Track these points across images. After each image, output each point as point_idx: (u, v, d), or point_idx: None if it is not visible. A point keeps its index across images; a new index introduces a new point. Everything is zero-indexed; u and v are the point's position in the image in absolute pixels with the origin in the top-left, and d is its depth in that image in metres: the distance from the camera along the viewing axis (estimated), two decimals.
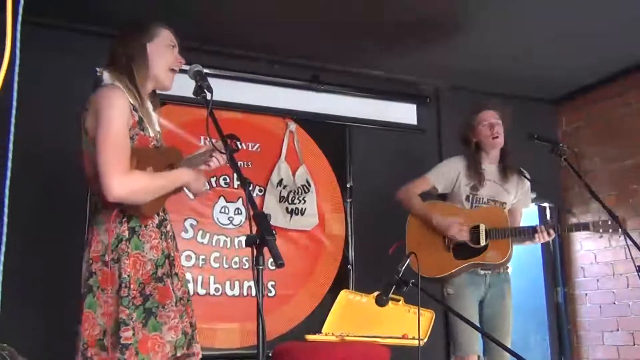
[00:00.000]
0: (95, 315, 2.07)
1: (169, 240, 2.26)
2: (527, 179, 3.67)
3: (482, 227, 3.39)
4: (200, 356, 2.24)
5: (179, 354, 2.08)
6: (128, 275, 2.08)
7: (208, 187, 2.41)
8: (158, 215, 2.25)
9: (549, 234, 3.35)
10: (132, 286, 2.08)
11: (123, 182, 2.03)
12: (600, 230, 3.31)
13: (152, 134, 2.27)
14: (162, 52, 2.30)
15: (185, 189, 2.35)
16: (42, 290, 3.18)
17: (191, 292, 2.43)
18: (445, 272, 3.40)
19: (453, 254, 3.43)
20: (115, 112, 2.10)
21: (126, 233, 2.14)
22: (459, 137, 3.70)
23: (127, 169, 2.06)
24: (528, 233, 3.39)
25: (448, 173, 3.58)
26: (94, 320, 2.07)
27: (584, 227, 3.38)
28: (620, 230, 3.22)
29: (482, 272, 3.44)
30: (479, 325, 3.38)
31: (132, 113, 2.18)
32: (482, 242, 3.38)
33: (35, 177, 3.23)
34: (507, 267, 3.53)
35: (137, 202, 2.11)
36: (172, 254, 2.25)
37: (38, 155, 3.07)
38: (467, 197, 3.52)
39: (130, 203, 2.10)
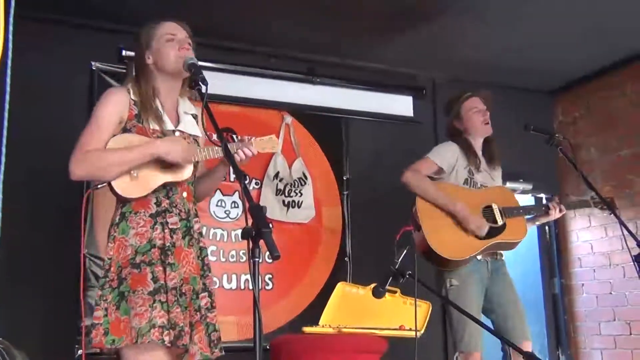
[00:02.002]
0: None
1: (168, 231, 2.23)
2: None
3: (496, 207, 3.36)
4: (196, 358, 2.19)
5: (139, 341, 2.04)
6: (109, 258, 2.14)
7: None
8: (159, 204, 2.24)
9: (560, 210, 3.38)
10: (111, 269, 2.13)
11: (78, 160, 2.13)
12: (600, 207, 3.33)
13: (156, 127, 2.28)
14: (163, 51, 2.32)
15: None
16: (37, 285, 3.18)
17: (211, 288, 2.36)
18: (471, 253, 3.27)
19: (475, 235, 3.32)
20: (102, 102, 2.24)
21: (117, 218, 2.20)
22: (446, 128, 3.66)
23: (90, 149, 2.15)
24: (542, 209, 3.43)
25: (450, 154, 3.47)
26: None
27: (584, 203, 3.41)
28: (613, 210, 3.25)
29: (481, 259, 3.37)
30: (486, 315, 3.35)
31: (130, 107, 2.25)
32: (500, 221, 3.34)
33: (27, 169, 3.22)
34: (502, 254, 3.50)
35: (99, 178, 2.17)
36: (170, 244, 2.22)
37: (32, 147, 3.06)
38: (466, 181, 3.45)
39: (92, 178, 2.19)
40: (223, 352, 2.30)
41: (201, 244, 2.37)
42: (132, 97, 2.27)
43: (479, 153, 3.55)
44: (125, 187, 2.19)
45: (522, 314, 3.38)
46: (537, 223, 3.60)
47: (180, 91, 2.42)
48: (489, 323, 3.45)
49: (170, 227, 2.25)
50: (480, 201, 3.38)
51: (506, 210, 3.36)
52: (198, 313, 2.24)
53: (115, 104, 2.24)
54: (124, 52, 3.77)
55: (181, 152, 2.24)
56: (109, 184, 2.18)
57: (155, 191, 2.24)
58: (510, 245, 3.40)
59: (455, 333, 3.26)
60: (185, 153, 2.25)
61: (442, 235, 3.27)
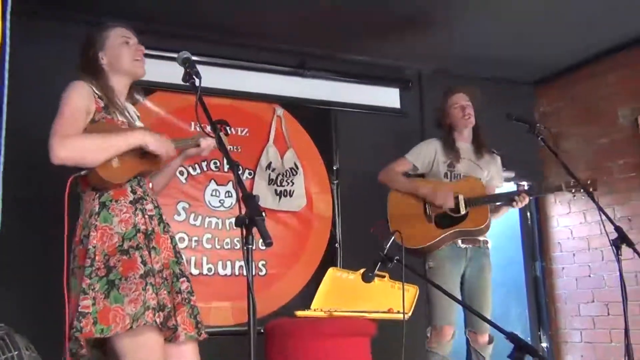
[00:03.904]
0: (75, 292, 2.10)
1: (147, 217, 2.26)
2: (498, 154, 3.74)
3: (461, 197, 3.44)
4: (181, 338, 2.20)
5: (134, 326, 2.04)
6: (94, 247, 2.11)
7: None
8: (134, 192, 2.27)
9: (524, 199, 3.43)
10: (97, 257, 2.10)
11: (63, 142, 2.11)
12: (573, 190, 3.37)
13: (123, 120, 2.35)
14: (118, 52, 2.39)
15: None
16: (35, 274, 3.16)
17: (187, 273, 2.37)
18: (430, 241, 3.42)
19: (435, 224, 3.47)
20: (71, 94, 2.23)
21: (97, 207, 2.18)
22: (434, 121, 3.77)
23: (69, 134, 2.14)
24: (505, 198, 3.48)
25: (426, 152, 3.63)
26: (74, 296, 2.09)
27: (557, 188, 3.44)
28: (588, 191, 3.28)
29: (463, 245, 3.47)
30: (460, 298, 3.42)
31: (96, 100, 2.28)
32: (462, 211, 3.42)
33: (23, 166, 3.19)
34: (487, 242, 3.56)
35: (83, 161, 2.15)
36: (151, 229, 2.25)
37: (26, 143, 3.03)
38: (446, 174, 3.58)
39: (77, 164, 2.15)
40: (207, 336, 2.32)
41: (171, 233, 2.38)
42: (96, 90, 2.30)
43: (465, 144, 3.63)
44: (108, 173, 2.19)
45: (488, 306, 3.46)
46: (503, 212, 3.64)
47: (127, 94, 2.47)
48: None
49: (148, 213, 2.27)
50: (451, 191, 3.47)
51: (471, 201, 3.44)
52: (179, 295, 2.25)
53: (85, 96, 2.25)
54: None
55: (162, 143, 2.32)
56: (93, 170, 2.16)
57: (128, 181, 2.27)
58: (474, 232, 3.47)
59: (430, 309, 3.38)
60: (165, 145, 2.33)
61: (404, 224, 3.41)
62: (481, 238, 3.52)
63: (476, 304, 3.38)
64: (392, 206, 3.59)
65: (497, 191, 3.70)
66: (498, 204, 3.56)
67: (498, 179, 3.72)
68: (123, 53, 2.39)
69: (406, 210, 3.54)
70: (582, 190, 3.35)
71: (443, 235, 3.42)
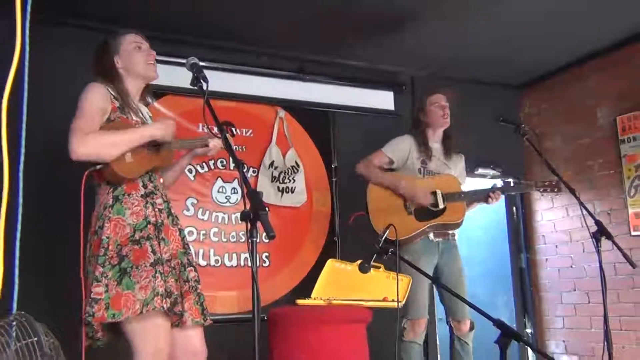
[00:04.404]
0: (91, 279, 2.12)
1: (157, 210, 2.27)
2: (462, 154, 3.74)
3: (439, 192, 3.43)
4: (188, 324, 2.21)
5: (144, 311, 2.05)
6: (107, 237, 2.12)
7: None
8: (146, 187, 2.27)
9: (498, 196, 3.44)
10: (110, 247, 2.11)
11: (81, 141, 2.12)
12: (541, 190, 3.38)
13: (137, 119, 2.35)
14: (131, 56, 2.40)
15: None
16: (54, 263, 3.15)
17: (194, 263, 2.38)
18: (412, 233, 3.40)
19: (415, 217, 3.45)
20: (89, 96, 2.23)
21: (110, 201, 2.19)
22: (411, 118, 3.75)
23: (88, 132, 2.14)
24: (481, 195, 3.47)
25: (402, 147, 3.60)
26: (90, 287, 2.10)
27: (528, 187, 3.45)
28: (554, 191, 3.29)
29: (435, 239, 3.46)
30: (428, 288, 3.43)
31: (112, 100, 2.28)
32: (441, 205, 3.41)
33: (44, 162, 3.19)
34: (455, 235, 3.56)
35: (102, 157, 2.15)
36: (161, 221, 2.26)
37: (46, 142, 3.03)
38: (419, 170, 3.55)
39: (96, 159, 2.16)
40: (211, 322, 2.33)
41: (179, 226, 2.39)
42: (111, 92, 2.30)
43: (436, 144, 3.63)
44: (122, 168, 2.20)
45: (464, 294, 3.46)
46: (477, 206, 3.63)
47: (140, 95, 2.48)
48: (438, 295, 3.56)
49: (158, 207, 2.28)
50: (427, 188, 3.46)
51: (448, 196, 3.42)
52: (187, 284, 2.26)
53: (102, 97, 2.26)
54: None
55: (169, 127, 2.35)
56: (108, 165, 2.17)
57: (140, 176, 2.28)
58: (451, 226, 3.48)
59: (406, 303, 3.34)
60: (171, 127, 2.36)
61: (384, 217, 3.40)
62: (450, 231, 3.52)
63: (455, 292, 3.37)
64: (372, 199, 3.54)
65: (462, 188, 3.68)
66: (473, 199, 3.54)
67: (462, 178, 3.71)
68: (136, 57, 2.39)
69: (386, 203, 3.50)
70: (549, 190, 3.38)
71: (424, 227, 3.41)
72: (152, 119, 2.51)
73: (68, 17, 3.70)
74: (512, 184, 3.99)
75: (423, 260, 3.39)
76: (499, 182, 3.71)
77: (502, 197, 3.50)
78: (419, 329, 3.39)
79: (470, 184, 3.86)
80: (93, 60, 2.43)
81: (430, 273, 3.41)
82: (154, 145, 2.32)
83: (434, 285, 3.55)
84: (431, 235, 3.46)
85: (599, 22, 4.14)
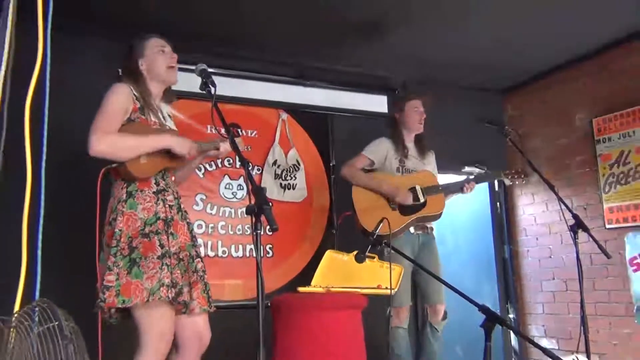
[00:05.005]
0: (103, 266, 2.13)
1: (167, 206, 2.26)
2: (432, 151, 3.74)
3: (419, 188, 3.42)
4: (196, 311, 2.22)
5: (151, 299, 2.06)
6: (120, 230, 2.12)
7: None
8: (158, 184, 2.26)
9: (472, 186, 3.45)
10: (122, 239, 2.11)
11: (99, 140, 2.11)
12: (509, 177, 3.38)
13: (156, 120, 2.33)
14: (154, 59, 2.38)
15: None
16: (73, 253, 3.15)
17: (202, 255, 2.38)
18: (399, 227, 3.39)
19: (400, 212, 3.45)
20: (112, 95, 2.22)
21: (124, 196, 2.18)
22: (389, 118, 3.75)
23: (107, 132, 2.13)
24: (457, 187, 3.48)
25: (381, 149, 3.59)
26: (104, 270, 2.11)
27: (497, 174, 3.46)
28: (521, 178, 3.31)
29: (415, 232, 3.46)
30: (410, 278, 3.45)
31: (134, 101, 2.26)
32: (422, 199, 3.40)
33: (64, 162, 3.18)
34: (432, 228, 3.56)
35: (116, 157, 2.15)
36: (171, 217, 2.25)
37: (67, 143, 3.03)
38: (398, 169, 3.55)
39: (110, 158, 2.14)
40: (215, 309, 2.32)
41: (188, 220, 2.37)
42: (134, 92, 2.28)
43: (410, 144, 3.64)
44: (136, 168, 2.19)
45: (440, 284, 3.42)
46: (453, 196, 3.62)
47: (162, 96, 2.45)
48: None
49: (169, 203, 2.27)
50: (407, 184, 3.47)
51: (427, 190, 3.43)
52: (195, 274, 2.25)
53: (125, 97, 2.24)
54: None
55: (187, 147, 2.32)
56: (123, 164, 2.16)
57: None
58: (433, 218, 3.47)
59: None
60: (187, 147, 2.32)
61: (371, 215, 3.39)
62: (428, 225, 3.52)
63: (432, 281, 3.36)
64: (357, 201, 3.54)
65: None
66: (450, 191, 3.54)
67: (435, 172, 3.71)
68: (159, 60, 2.37)
69: (370, 202, 3.50)
70: (516, 177, 3.37)
71: (409, 220, 3.41)
72: (171, 118, 2.49)
73: (87, 25, 3.68)
74: (484, 174, 3.98)
75: (405, 252, 3.36)
76: (473, 173, 3.70)
77: (474, 186, 3.49)
78: (403, 315, 3.40)
79: (448, 178, 3.87)
80: (122, 61, 2.43)
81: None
82: (168, 152, 2.31)
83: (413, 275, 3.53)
84: (412, 229, 3.46)
85: (576, 32, 4.14)
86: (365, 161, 3.60)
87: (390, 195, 3.44)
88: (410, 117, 3.58)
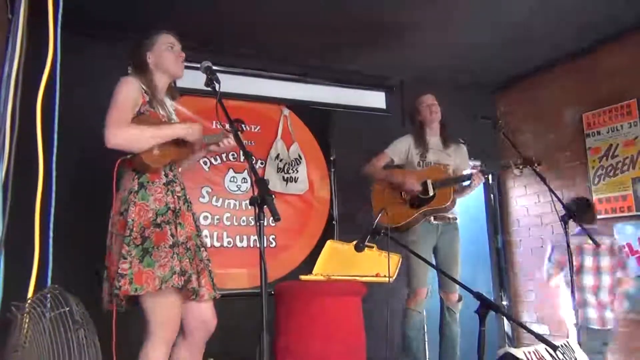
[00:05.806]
0: (113, 253, 2.12)
1: (176, 197, 2.25)
2: (463, 143, 3.73)
3: (429, 181, 3.42)
4: (205, 297, 2.21)
5: (163, 287, 2.05)
6: (132, 220, 2.10)
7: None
8: (167, 176, 2.25)
9: (480, 178, 3.40)
10: (134, 229, 2.09)
11: (116, 132, 2.08)
12: (520, 167, 3.35)
13: (164, 113, 2.32)
14: (162, 54, 2.34)
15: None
16: (84, 241, 3.15)
17: (208, 245, 2.38)
18: (407, 219, 3.40)
19: (409, 206, 3.45)
20: (123, 89, 2.19)
21: (136, 187, 2.16)
22: (409, 117, 3.76)
23: (123, 125, 2.11)
24: (464, 178, 3.46)
25: (401, 147, 3.60)
26: (114, 257, 2.11)
27: (506, 165, 3.42)
28: (533, 166, 3.26)
29: (435, 222, 3.45)
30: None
31: (143, 94, 2.24)
32: (430, 193, 3.40)
33: (75, 155, 3.18)
34: (456, 219, 3.54)
35: (133, 149, 2.13)
36: (179, 208, 2.24)
37: (78, 138, 3.02)
38: (419, 163, 3.55)
39: (127, 149, 2.13)
40: (220, 296, 2.32)
41: (192, 210, 2.36)
42: (143, 86, 2.26)
43: (434, 137, 3.62)
44: (150, 159, 2.18)
45: (457, 271, 3.46)
46: (468, 192, 3.55)
47: (167, 90, 2.43)
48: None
49: (177, 194, 2.26)
50: (419, 178, 3.46)
51: (437, 183, 3.42)
52: (202, 262, 2.25)
53: (134, 90, 2.21)
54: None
55: (197, 134, 2.30)
56: (137, 155, 2.15)
57: (164, 166, 2.25)
58: (441, 210, 3.45)
59: (409, 275, 3.38)
60: (197, 133, 2.30)
61: (389, 209, 3.31)
62: (450, 215, 3.50)
63: (447, 268, 3.37)
64: (376, 198, 3.56)
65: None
66: (464, 185, 3.51)
67: (465, 165, 3.68)
68: (167, 55, 2.34)
69: (387, 198, 3.50)
70: (527, 167, 3.32)
71: (416, 214, 3.40)
72: (175, 112, 2.49)
73: (96, 25, 3.67)
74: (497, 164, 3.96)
75: (423, 241, 3.39)
76: (480, 165, 3.67)
77: (483, 177, 3.45)
78: (420, 297, 3.36)
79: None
80: (128, 54, 2.39)
81: (430, 252, 3.43)
82: (176, 142, 2.30)
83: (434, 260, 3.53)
84: (432, 219, 3.45)
85: (565, 31, 4.11)
86: (385, 159, 3.61)
87: (400, 184, 3.45)
88: (422, 113, 3.61)
